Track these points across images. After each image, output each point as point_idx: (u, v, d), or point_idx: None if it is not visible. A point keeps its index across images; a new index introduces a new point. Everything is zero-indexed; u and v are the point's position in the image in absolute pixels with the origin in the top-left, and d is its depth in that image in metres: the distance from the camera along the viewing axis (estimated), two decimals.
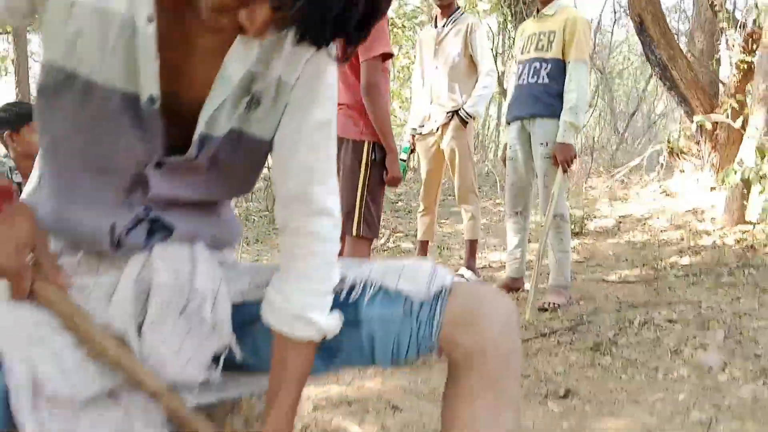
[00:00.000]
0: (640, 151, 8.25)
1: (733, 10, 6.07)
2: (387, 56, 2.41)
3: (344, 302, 0.98)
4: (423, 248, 4.07)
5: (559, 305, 3.22)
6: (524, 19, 4.69)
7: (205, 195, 1.00)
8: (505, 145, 3.50)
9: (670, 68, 5.47)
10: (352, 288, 0.98)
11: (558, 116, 3.07)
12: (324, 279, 0.96)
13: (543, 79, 3.12)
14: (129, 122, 0.87)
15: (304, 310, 0.93)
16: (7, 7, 0.86)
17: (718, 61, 5.84)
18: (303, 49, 0.85)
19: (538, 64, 3.14)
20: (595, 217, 5.66)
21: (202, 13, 0.76)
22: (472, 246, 3.88)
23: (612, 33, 14.21)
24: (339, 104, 2.46)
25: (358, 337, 0.98)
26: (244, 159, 0.99)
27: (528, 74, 3.18)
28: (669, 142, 6.20)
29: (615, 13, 13.92)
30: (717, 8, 5.44)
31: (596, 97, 12.20)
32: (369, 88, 2.37)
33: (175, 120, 0.90)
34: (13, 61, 4.35)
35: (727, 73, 5.70)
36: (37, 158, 0.99)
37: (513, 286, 3.53)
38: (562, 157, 3.04)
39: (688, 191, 5.72)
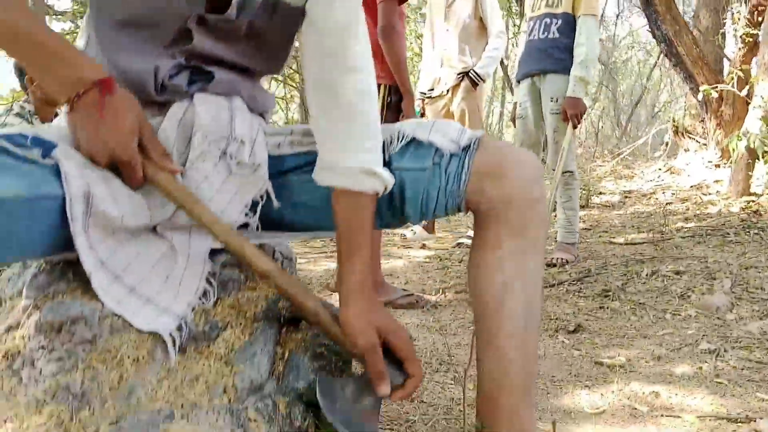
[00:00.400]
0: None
1: None
2: None
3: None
4: None
5: (567, 261, 3.25)
6: None
7: (242, 60, 1.04)
8: (515, 104, 3.54)
9: (676, 44, 5.50)
10: (387, 143, 1.03)
11: (568, 72, 3.10)
12: (376, 134, 1.00)
13: (553, 34, 3.16)
14: None
15: (369, 164, 0.96)
16: None
17: (723, 36, 5.87)
18: None
19: (548, 20, 3.18)
20: (600, 193, 5.69)
21: None
22: None
23: (615, 26, 14.27)
24: None
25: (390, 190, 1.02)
26: (278, 27, 1.03)
27: (538, 30, 3.22)
28: (674, 121, 6.23)
29: (619, 6, 13.99)
30: None
31: (599, 91, 12.24)
32: (385, 30, 2.39)
33: None
34: None
35: (732, 49, 5.73)
36: (85, 18, 1.03)
37: None
38: (572, 111, 3.08)
39: (693, 168, 5.75)
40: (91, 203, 0.87)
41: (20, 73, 2.82)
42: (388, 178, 0.98)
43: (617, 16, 14.28)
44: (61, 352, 0.83)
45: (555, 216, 3.41)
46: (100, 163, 0.89)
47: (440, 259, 3.61)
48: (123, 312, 0.89)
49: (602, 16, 13.39)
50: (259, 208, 1.03)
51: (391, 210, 1.05)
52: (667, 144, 6.43)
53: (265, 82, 1.11)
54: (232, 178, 0.99)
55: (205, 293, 0.97)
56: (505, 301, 0.99)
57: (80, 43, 1.04)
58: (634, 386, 1.74)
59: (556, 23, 3.15)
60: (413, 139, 1.02)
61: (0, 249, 0.78)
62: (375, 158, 0.98)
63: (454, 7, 3.72)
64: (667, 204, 4.97)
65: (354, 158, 0.97)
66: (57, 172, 0.84)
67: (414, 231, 4.17)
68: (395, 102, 2.53)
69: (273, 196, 1.04)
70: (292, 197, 1.06)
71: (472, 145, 1.00)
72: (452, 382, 1.79)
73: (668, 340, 2.14)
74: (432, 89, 3.84)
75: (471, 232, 3.88)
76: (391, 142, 1.03)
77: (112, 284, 0.90)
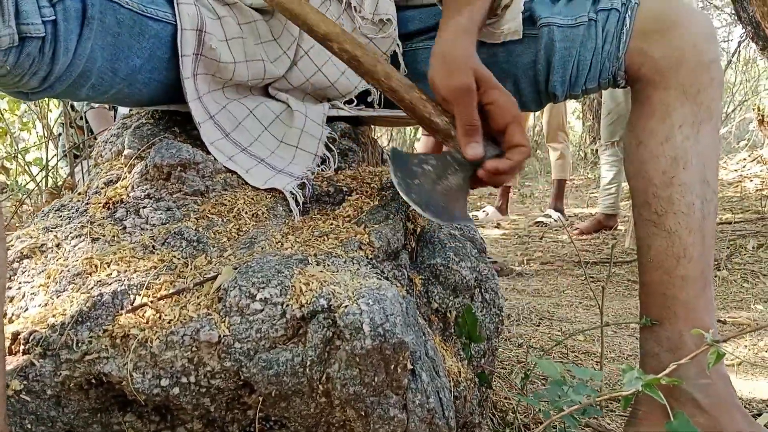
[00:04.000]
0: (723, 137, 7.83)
1: None
2: None
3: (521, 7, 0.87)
4: (504, 194, 3.93)
5: None
6: None
7: None
8: None
9: (764, 26, 5.15)
10: None
11: None
12: None
13: None
14: None
15: None
16: None
17: None
18: None
19: None
20: None
21: None
22: (560, 186, 3.71)
23: None
24: None
25: (533, 50, 0.87)
26: None
27: None
28: (759, 110, 5.85)
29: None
30: None
31: None
32: None
33: None
34: None
35: None
36: None
37: (606, 223, 3.32)
38: None
39: None
40: (203, 41, 0.75)
41: None
42: None
43: None
44: (170, 202, 0.71)
45: None
46: None
47: (518, 237, 3.42)
48: (236, 168, 0.77)
49: None
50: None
51: (535, 82, 0.89)
52: (750, 134, 6.04)
53: None
54: (357, 34, 0.86)
55: (324, 160, 0.84)
56: (679, 175, 0.82)
57: None
58: (767, 341, 1.54)
59: None
60: None
61: (105, 66, 0.67)
62: None
63: None
64: (757, 191, 4.63)
65: None
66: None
67: (486, 212, 3.98)
68: None
69: (401, 60, 0.90)
70: (418, 66, 0.92)
71: None
72: (558, 332, 1.62)
73: None
74: None
75: (549, 211, 3.70)
76: None
77: (222, 140, 0.79)
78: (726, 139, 6.67)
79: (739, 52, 9.74)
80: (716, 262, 2.48)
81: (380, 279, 0.61)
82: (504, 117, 0.70)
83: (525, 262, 2.79)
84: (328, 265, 0.62)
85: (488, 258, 2.52)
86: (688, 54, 0.82)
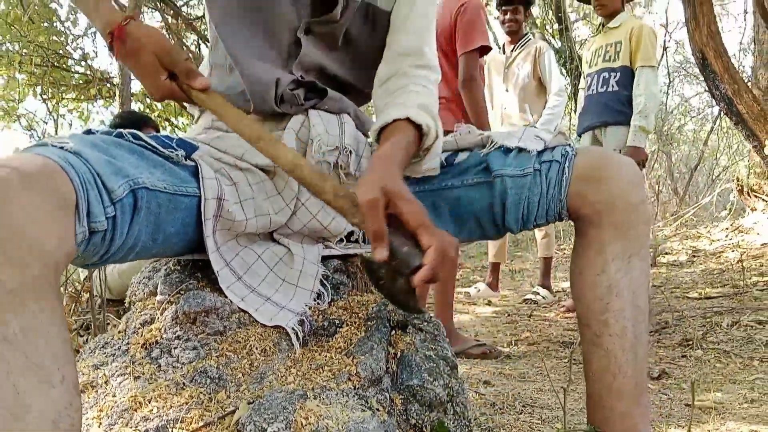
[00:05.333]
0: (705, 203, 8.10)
1: None
2: (485, 50, 2.52)
3: (478, 161, 1.07)
4: (494, 270, 4.10)
5: None
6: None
7: (343, 73, 1.14)
8: None
9: (736, 102, 5.47)
10: (478, 146, 1.09)
11: (628, 123, 3.13)
12: (435, 102, 1.08)
13: (612, 87, 3.21)
14: None
15: (426, 104, 1.03)
16: None
17: None
18: None
19: (606, 74, 3.24)
20: (666, 253, 5.56)
21: None
22: (547, 264, 3.89)
23: (667, 96, 14.25)
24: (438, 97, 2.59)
25: (490, 195, 1.05)
26: (370, 33, 1.14)
27: (597, 84, 3.28)
28: (738, 180, 6.11)
29: (669, 77, 14.03)
30: None
31: (655, 159, 12.11)
32: (467, 82, 2.48)
33: None
34: (117, 85, 4.81)
35: None
36: (209, 51, 1.15)
37: None
38: (635, 159, 3.08)
39: (762, 227, 5.58)
40: (222, 206, 0.94)
41: None
42: (438, 123, 1.03)
43: (668, 86, 14.31)
44: (196, 342, 0.89)
45: None
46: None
47: (508, 315, 3.57)
48: (247, 308, 0.94)
49: None
50: None
51: (493, 220, 1.08)
52: (732, 204, 6.28)
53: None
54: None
55: (319, 295, 1.01)
56: (612, 302, 1.00)
57: (205, 71, 1.14)
58: (730, 426, 1.67)
59: (615, 77, 3.21)
60: (510, 147, 1.07)
61: (147, 238, 0.85)
62: (433, 105, 1.06)
63: (513, 67, 3.84)
64: (738, 261, 4.82)
65: (410, 96, 1.04)
66: (195, 173, 0.92)
67: (478, 288, 4.15)
68: None
69: None
70: None
71: (570, 151, 1.04)
72: (539, 421, 1.76)
73: (760, 385, 2.06)
74: None
75: (538, 289, 3.87)
76: (483, 146, 1.09)
77: (236, 283, 0.96)
78: (708, 209, 6.92)
79: (722, 117, 10.15)
80: (690, 342, 2.63)
81: (364, 410, 0.78)
82: (412, 223, 0.81)
83: (513, 342, 2.93)
84: (323, 399, 0.79)
85: (477, 341, 2.65)
86: (618, 198, 1.00)
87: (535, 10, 11.41)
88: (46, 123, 8.04)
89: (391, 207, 0.81)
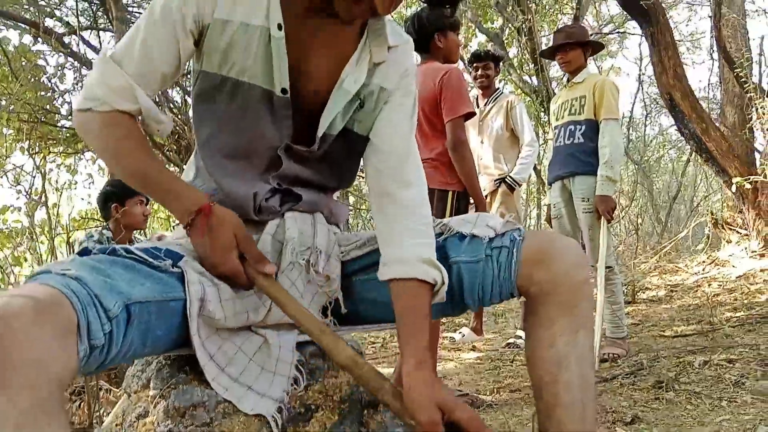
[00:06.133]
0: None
1: (760, 80, 6.34)
2: (469, 115, 2.69)
3: (437, 247, 1.19)
4: (478, 315, 4.21)
5: (619, 356, 3.29)
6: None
7: (320, 179, 1.26)
8: (548, 206, 3.72)
9: (705, 140, 5.68)
10: (437, 234, 1.21)
11: (595, 172, 3.30)
12: (431, 234, 1.18)
13: (578, 139, 3.39)
14: (266, 111, 1.16)
15: (429, 257, 1.13)
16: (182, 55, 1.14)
17: (751, 130, 6.05)
18: (401, 59, 1.16)
19: (572, 127, 3.42)
20: (646, 289, 5.70)
21: (339, 6, 1.05)
22: None
23: (645, 126, 14.63)
24: (423, 159, 2.74)
25: (449, 279, 1.18)
26: (348, 152, 1.26)
27: (564, 137, 3.46)
28: (712, 214, 6.30)
29: (645, 107, 14.42)
30: (743, 80, 5.71)
31: (635, 190, 12.37)
32: (456, 145, 2.63)
33: (298, 115, 1.18)
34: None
35: (761, 142, 5.89)
36: (193, 154, 1.27)
37: None
38: (603, 208, 3.25)
39: (737, 259, 5.75)
40: (203, 306, 1.05)
41: (104, 203, 3.15)
42: (444, 272, 1.14)
43: (646, 117, 14.68)
44: None
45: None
46: (213, 275, 1.08)
47: (491, 360, 3.67)
48: (231, 398, 1.05)
49: (630, 117, 13.78)
50: (329, 311, 1.21)
51: (452, 300, 1.20)
52: (708, 237, 6.47)
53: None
54: (311, 285, 1.18)
55: (296, 380, 1.12)
56: (561, 374, 1.11)
57: (190, 174, 1.27)
58: None
59: (580, 129, 3.39)
60: (464, 234, 1.19)
61: (139, 344, 0.97)
62: (432, 252, 1.15)
63: (487, 120, 4.02)
64: (714, 295, 4.96)
65: (412, 251, 1.13)
66: (182, 278, 1.04)
67: (463, 333, 4.25)
68: (463, 207, 2.74)
69: (342, 302, 1.22)
70: (361, 294, 1.24)
71: (517, 237, 1.17)
72: None
73: (726, 427, 2.17)
74: None
75: (519, 332, 3.98)
76: (440, 234, 1.21)
77: (220, 374, 1.07)
78: (685, 243, 7.10)
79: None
80: (663, 384, 2.75)
81: None
82: (469, 426, 0.96)
83: (496, 390, 3.03)
84: None
85: (458, 391, 2.76)
86: (563, 278, 1.12)
87: (512, 51, 11.80)
88: (34, 177, 8.13)
89: (448, 416, 0.96)
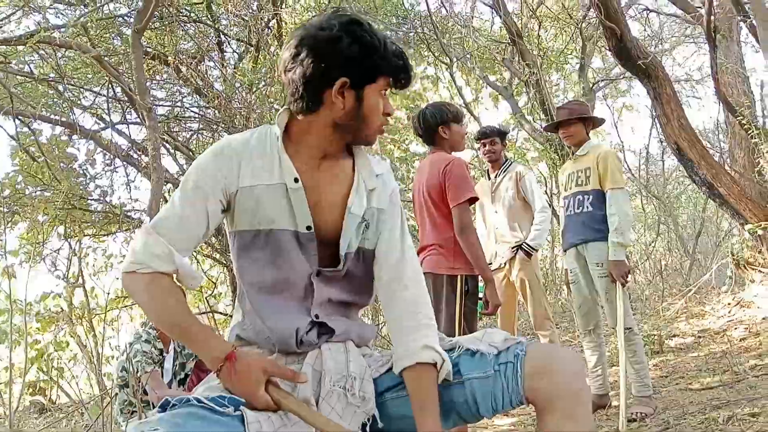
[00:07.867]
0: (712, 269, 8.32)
1: (764, 123, 6.48)
2: (473, 200, 2.91)
3: (451, 364, 1.39)
4: None
5: (646, 414, 3.38)
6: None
7: (346, 297, 1.49)
8: (565, 270, 3.88)
9: (716, 186, 5.81)
10: (449, 350, 1.41)
11: (606, 238, 3.47)
12: (430, 325, 1.42)
13: (587, 208, 3.58)
14: (296, 248, 1.42)
15: (427, 343, 1.37)
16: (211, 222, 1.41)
17: (760, 172, 6.17)
18: (388, 182, 1.49)
19: (581, 197, 3.62)
20: (674, 336, 5.76)
21: (367, 135, 1.42)
22: None
23: (663, 161, 14.68)
24: (430, 244, 2.95)
25: (463, 394, 1.37)
26: (364, 267, 1.51)
27: (574, 206, 3.66)
28: (733, 255, 6.37)
29: (661, 142, 14.49)
30: (746, 126, 5.87)
31: (659, 224, 12.40)
32: (463, 229, 2.85)
33: (320, 244, 1.43)
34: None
35: None
36: (237, 299, 1.50)
37: (599, 403, 3.68)
38: (617, 273, 3.41)
39: (762, 300, 5.80)
40: None
41: None
42: (443, 352, 1.37)
43: (663, 152, 14.74)
44: None
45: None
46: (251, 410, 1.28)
47: (524, 425, 3.77)
48: None
49: (647, 154, 13.87)
50: (368, 428, 1.40)
51: (469, 411, 1.39)
52: (730, 278, 6.51)
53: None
54: (349, 407, 1.37)
55: None
56: None
57: (237, 316, 1.49)
58: None
59: (588, 198, 3.58)
60: (473, 350, 1.39)
61: None
62: (431, 340, 1.39)
63: (499, 191, 4.24)
64: (740, 340, 5.02)
65: (415, 344, 1.37)
66: (242, 419, 1.24)
67: None
68: (471, 289, 2.92)
69: (378, 418, 1.40)
70: (393, 411, 1.43)
71: (520, 353, 1.35)
72: None
73: None
74: (490, 263, 4.23)
75: None
76: (452, 350, 1.41)
77: None
78: (711, 281, 7.13)
79: None
80: None
81: None
82: None
83: None
84: None
85: None
86: (564, 387, 1.31)
87: (522, 101, 12.09)
88: (70, 261, 8.46)
89: None
